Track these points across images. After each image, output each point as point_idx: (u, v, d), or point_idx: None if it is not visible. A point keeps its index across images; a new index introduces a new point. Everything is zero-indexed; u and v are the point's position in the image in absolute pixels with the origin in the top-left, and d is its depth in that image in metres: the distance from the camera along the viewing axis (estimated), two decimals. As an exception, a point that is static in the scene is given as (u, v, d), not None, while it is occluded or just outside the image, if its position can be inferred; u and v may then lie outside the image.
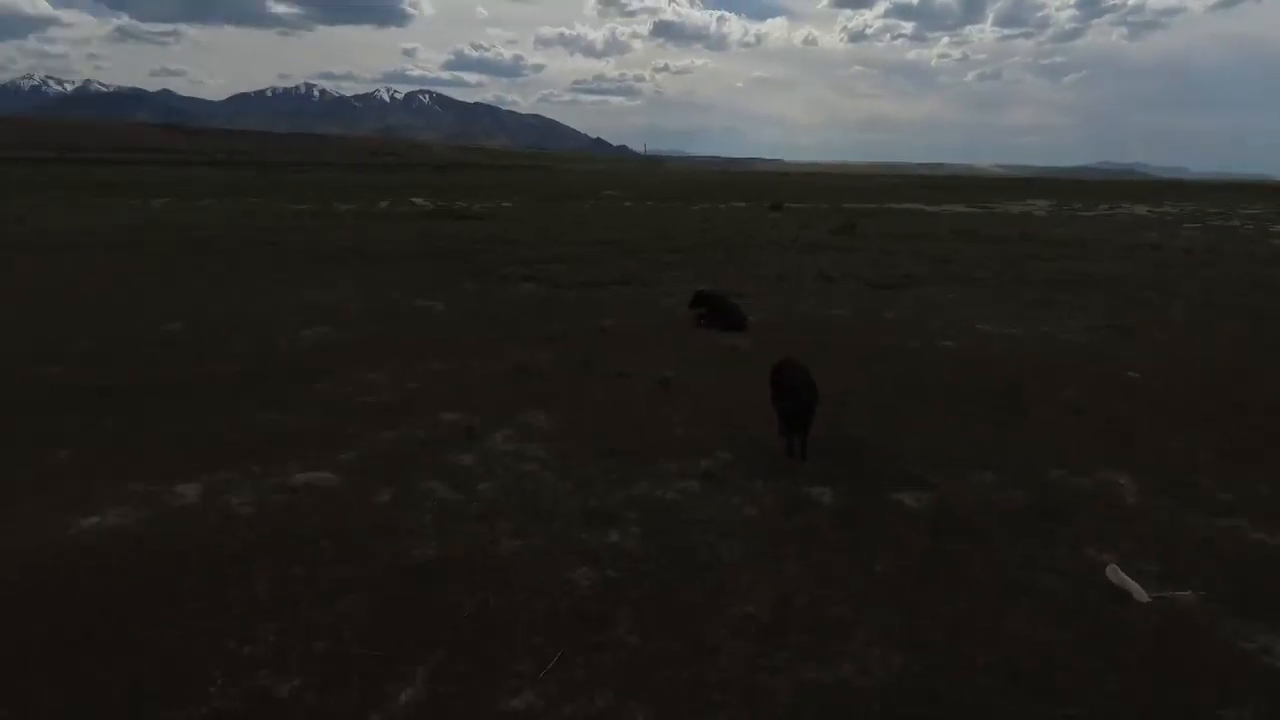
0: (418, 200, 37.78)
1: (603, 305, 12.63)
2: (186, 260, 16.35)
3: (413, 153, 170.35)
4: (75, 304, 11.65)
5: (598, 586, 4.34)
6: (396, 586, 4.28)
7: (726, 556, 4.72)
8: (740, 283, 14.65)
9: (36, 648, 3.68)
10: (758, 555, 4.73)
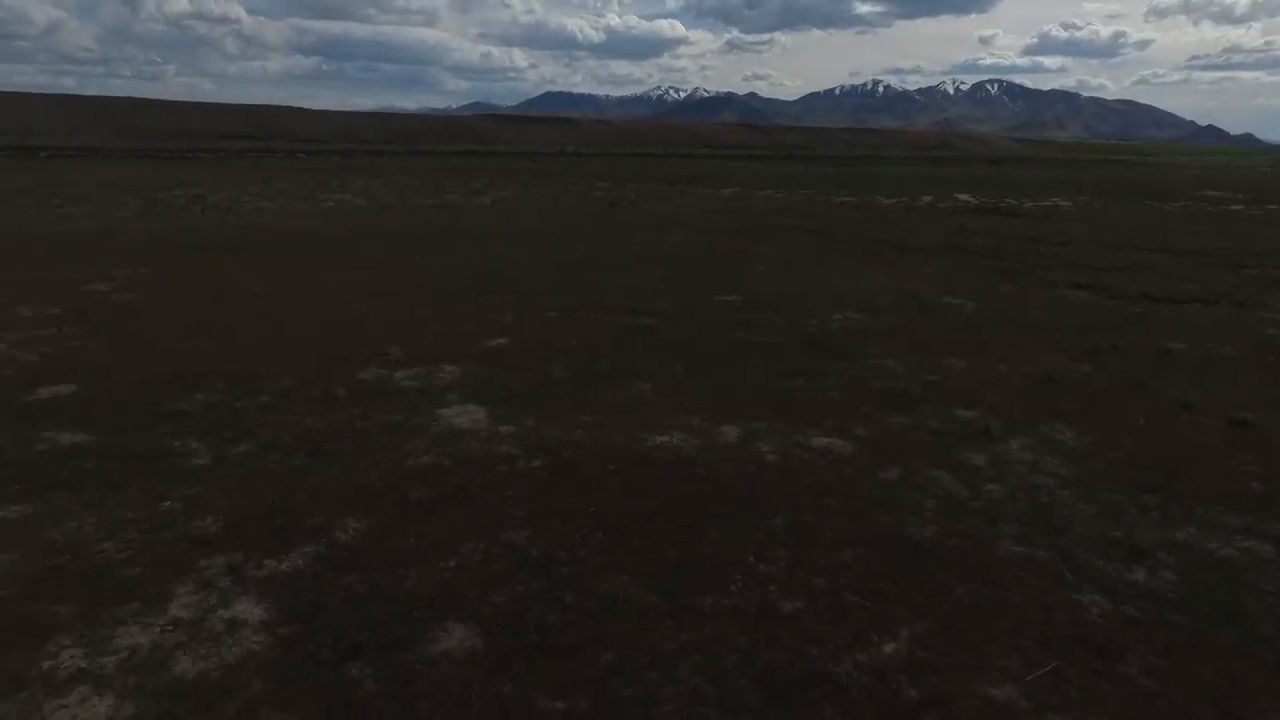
0: (962, 196, 36.56)
1: (1174, 324, 10.79)
2: (742, 244, 18.80)
3: (969, 146, 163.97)
4: (660, 272, 14.44)
5: (1111, 617, 3.96)
6: (891, 554, 4.55)
7: (1296, 639, 3.84)
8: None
9: (624, 518, 4.94)
10: (1347, 652, 3.75)
